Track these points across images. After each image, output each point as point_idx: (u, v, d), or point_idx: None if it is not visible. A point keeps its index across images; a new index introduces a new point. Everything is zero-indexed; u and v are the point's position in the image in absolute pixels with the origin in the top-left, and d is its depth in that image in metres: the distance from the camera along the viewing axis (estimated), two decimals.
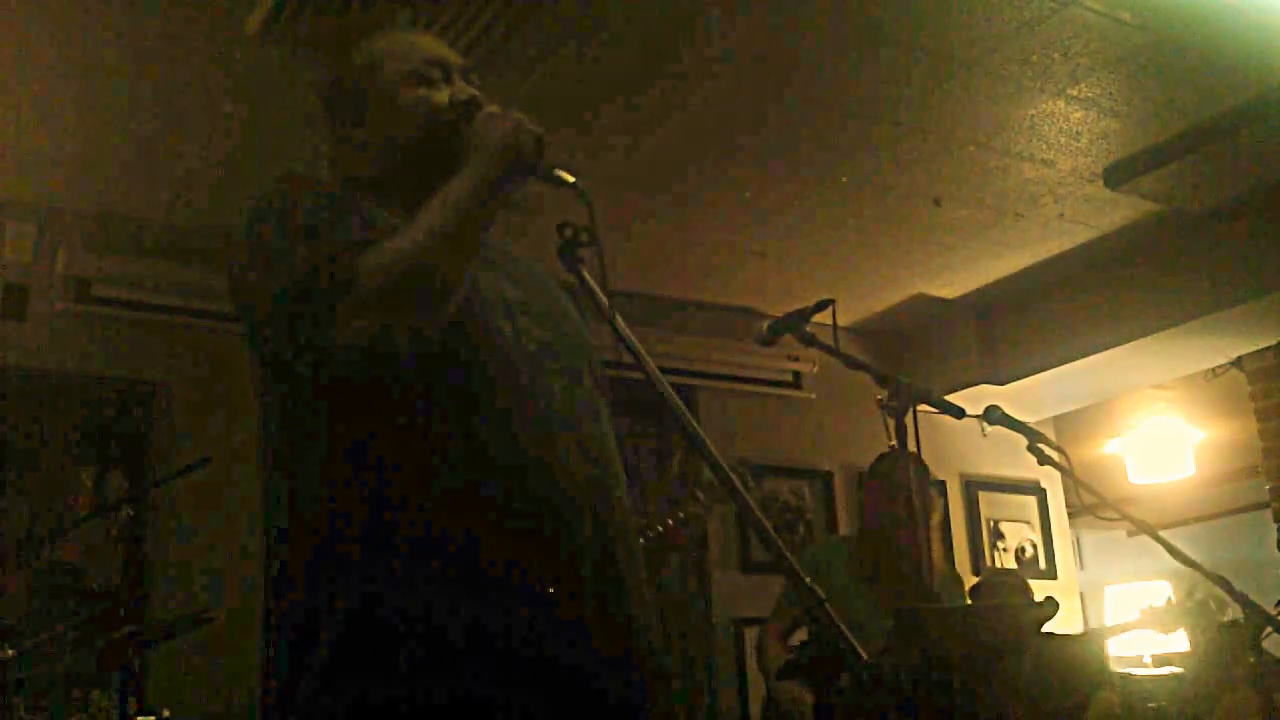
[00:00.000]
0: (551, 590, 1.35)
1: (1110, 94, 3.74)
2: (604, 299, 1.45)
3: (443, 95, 1.56)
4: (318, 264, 1.34)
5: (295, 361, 1.36)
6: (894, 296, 5.38)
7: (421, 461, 1.36)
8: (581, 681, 1.36)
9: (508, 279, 1.54)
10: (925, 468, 3.65)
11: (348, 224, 1.41)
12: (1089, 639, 4.54)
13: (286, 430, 1.45)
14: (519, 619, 1.32)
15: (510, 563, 1.35)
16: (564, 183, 1.42)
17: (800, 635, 3.58)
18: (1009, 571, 5.61)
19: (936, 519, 4.12)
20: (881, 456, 3.63)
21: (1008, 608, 3.57)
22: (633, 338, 1.42)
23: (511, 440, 1.40)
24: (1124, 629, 4.03)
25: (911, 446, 2.24)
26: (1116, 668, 5.11)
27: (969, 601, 3.86)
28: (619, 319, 1.42)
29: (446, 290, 1.36)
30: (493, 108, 1.50)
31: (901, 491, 3.47)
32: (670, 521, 2.16)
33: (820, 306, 2.51)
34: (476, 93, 1.57)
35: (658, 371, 1.39)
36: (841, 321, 2.66)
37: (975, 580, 4.58)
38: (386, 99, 1.57)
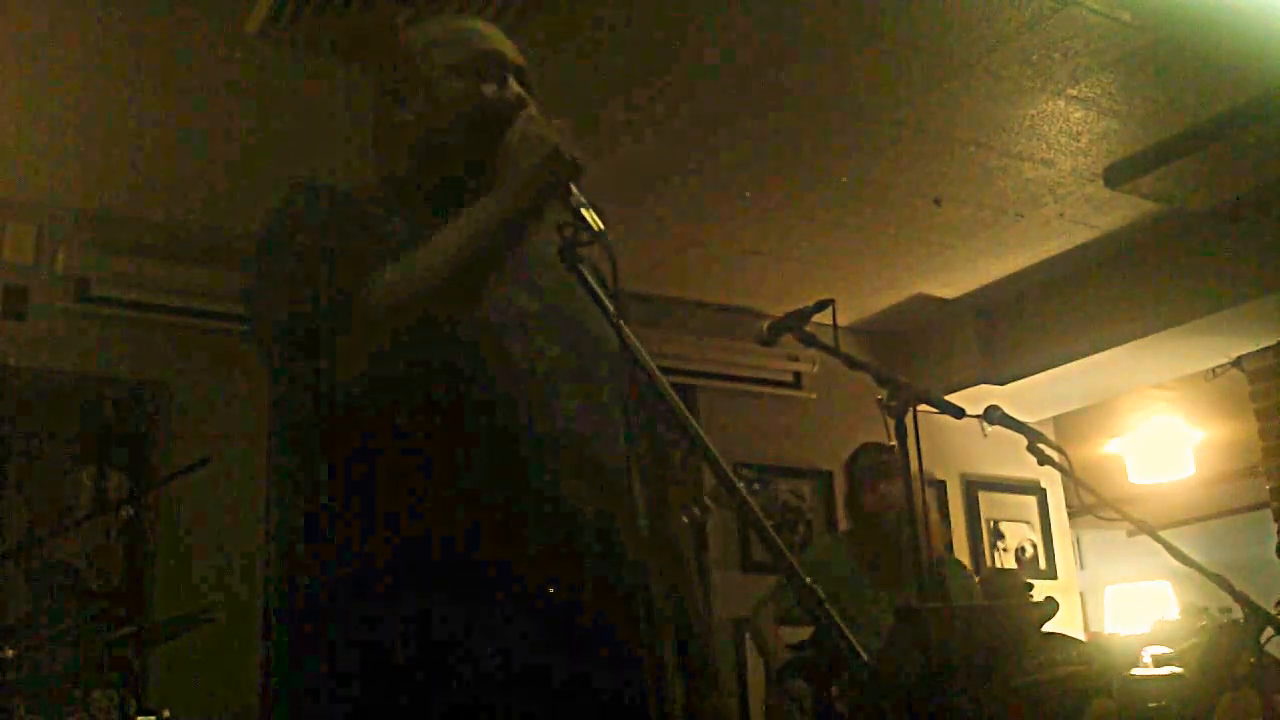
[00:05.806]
0: (548, 619, 1.32)
1: (1110, 94, 3.74)
2: (609, 304, 1.44)
3: (489, 90, 1.51)
4: (317, 297, 1.31)
5: (295, 393, 1.36)
6: (894, 296, 5.38)
7: (418, 495, 1.33)
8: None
9: (526, 289, 1.47)
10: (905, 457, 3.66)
11: (353, 244, 1.37)
12: (1090, 645, 4.53)
13: (290, 452, 1.43)
14: (513, 648, 1.30)
15: (505, 594, 1.32)
16: (587, 226, 1.30)
17: (802, 634, 3.59)
18: (1008, 571, 5.61)
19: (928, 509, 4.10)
20: (862, 449, 3.65)
21: (1008, 608, 3.57)
22: (634, 339, 1.41)
23: (508, 471, 1.36)
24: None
25: (912, 446, 2.24)
26: (1117, 670, 5.10)
27: (978, 583, 3.87)
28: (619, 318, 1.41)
29: (458, 310, 1.32)
30: (532, 111, 1.45)
31: (886, 476, 3.50)
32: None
33: (820, 306, 2.51)
34: (524, 94, 1.52)
35: (658, 372, 1.39)
36: (841, 321, 2.66)
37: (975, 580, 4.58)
38: (430, 85, 1.51)
